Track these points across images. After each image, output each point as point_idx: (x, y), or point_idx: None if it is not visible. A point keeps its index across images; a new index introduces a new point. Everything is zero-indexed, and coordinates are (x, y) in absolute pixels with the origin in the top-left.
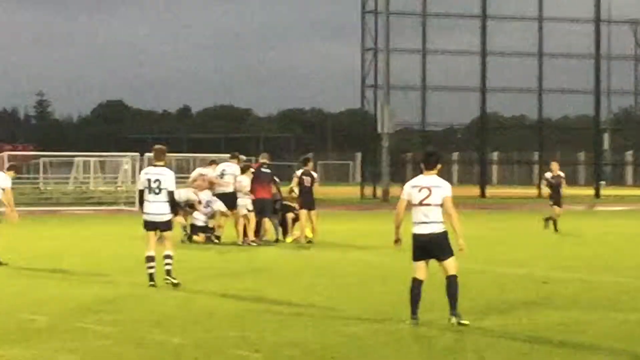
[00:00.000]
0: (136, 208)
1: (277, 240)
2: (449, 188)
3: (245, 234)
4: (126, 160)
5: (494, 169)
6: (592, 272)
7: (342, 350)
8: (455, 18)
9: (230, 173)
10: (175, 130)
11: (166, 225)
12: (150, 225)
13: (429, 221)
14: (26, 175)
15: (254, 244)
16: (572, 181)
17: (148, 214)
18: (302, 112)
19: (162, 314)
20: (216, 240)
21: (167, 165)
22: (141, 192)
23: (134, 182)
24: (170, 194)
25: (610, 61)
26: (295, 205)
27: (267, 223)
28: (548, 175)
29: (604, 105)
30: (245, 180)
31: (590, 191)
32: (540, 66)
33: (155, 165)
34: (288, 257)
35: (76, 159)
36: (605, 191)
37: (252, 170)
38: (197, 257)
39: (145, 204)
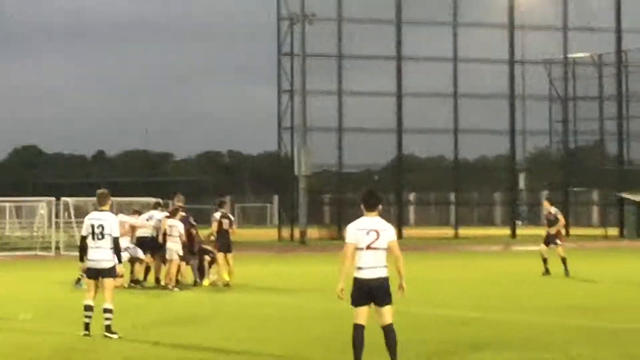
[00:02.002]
0: (52, 253)
1: (195, 284)
2: (393, 231)
3: (176, 279)
4: (42, 205)
5: (411, 209)
6: (508, 311)
7: None
8: (371, 59)
9: (157, 219)
10: (90, 175)
11: (109, 273)
12: (92, 272)
13: (375, 265)
14: None
15: (176, 289)
16: (488, 221)
17: (91, 260)
18: (220, 155)
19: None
20: (135, 285)
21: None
22: (83, 238)
23: (49, 227)
24: (115, 240)
25: (525, 101)
26: (212, 248)
27: (185, 266)
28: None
29: (520, 145)
30: (178, 224)
31: (507, 231)
32: (455, 107)
33: (99, 210)
34: (206, 301)
35: None
36: (521, 231)
37: (182, 213)
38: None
39: (89, 250)
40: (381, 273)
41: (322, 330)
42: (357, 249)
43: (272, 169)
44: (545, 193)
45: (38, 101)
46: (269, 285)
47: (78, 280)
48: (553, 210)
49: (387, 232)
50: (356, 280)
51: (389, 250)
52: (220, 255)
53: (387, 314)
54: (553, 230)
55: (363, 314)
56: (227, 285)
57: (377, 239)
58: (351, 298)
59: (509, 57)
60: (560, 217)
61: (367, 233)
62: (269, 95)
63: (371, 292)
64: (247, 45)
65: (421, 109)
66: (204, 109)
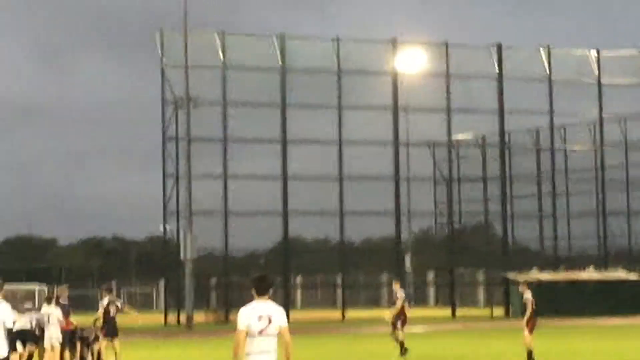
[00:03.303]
0: None
1: None
2: (284, 316)
3: None
4: None
5: (298, 292)
6: None
7: None
8: (256, 143)
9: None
10: None
11: None
12: None
13: (267, 351)
14: None
15: None
16: (375, 302)
17: None
18: (104, 240)
19: None
20: None
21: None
22: None
23: None
24: (9, 330)
25: (409, 182)
26: (98, 333)
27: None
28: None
29: (405, 226)
30: (56, 311)
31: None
32: (340, 189)
33: None
34: None
35: None
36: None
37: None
38: None
39: None
40: (273, 358)
41: None
42: (249, 335)
43: (157, 253)
44: (430, 273)
45: None
46: None
47: None
48: (399, 293)
49: (279, 317)
50: None
51: (279, 335)
52: (105, 341)
53: None
54: (394, 312)
55: None
56: None
57: (269, 324)
58: None
59: (394, 139)
60: (398, 301)
61: (259, 319)
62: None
63: None
64: (133, 129)
65: (307, 191)
66: (88, 194)
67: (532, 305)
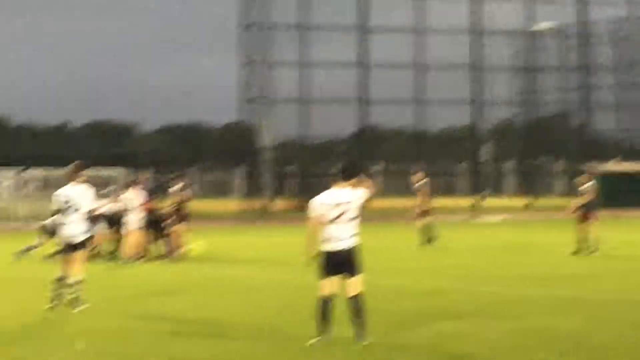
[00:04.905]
0: (17, 225)
1: (159, 257)
2: (362, 195)
3: (137, 251)
4: (7, 176)
5: (376, 180)
6: (472, 282)
7: None
8: (333, 30)
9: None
10: (54, 146)
11: (81, 246)
12: (65, 247)
13: (343, 237)
14: None
15: (138, 262)
16: (451, 192)
17: (63, 235)
18: (183, 126)
19: (42, 332)
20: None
21: (85, 183)
22: (55, 212)
23: (14, 198)
24: (87, 213)
25: (486, 72)
26: (173, 219)
27: (147, 238)
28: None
29: (483, 115)
30: (137, 196)
31: (470, 202)
32: (419, 77)
33: (71, 184)
34: (172, 273)
35: None
36: (485, 202)
37: (140, 185)
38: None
39: (61, 225)
40: (350, 244)
41: (289, 301)
42: (324, 222)
43: (235, 141)
44: (510, 163)
45: (2, 72)
46: (235, 257)
47: (23, 251)
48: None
49: (355, 201)
50: (324, 252)
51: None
52: (181, 227)
53: (356, 284)
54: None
55: (330, 286)
56: (185, 256)
57: (343, 211)
58: (319, 269)
59: (472, 27)
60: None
61: (333, 206)
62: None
63: (340, 264)
64: (209, 16)
65: (385, 79)
66: (165, 80)
67: (590, 195)
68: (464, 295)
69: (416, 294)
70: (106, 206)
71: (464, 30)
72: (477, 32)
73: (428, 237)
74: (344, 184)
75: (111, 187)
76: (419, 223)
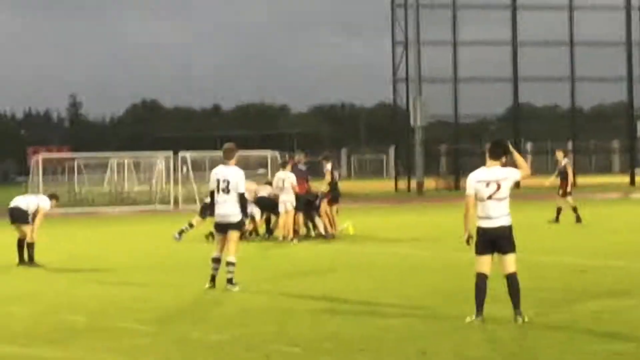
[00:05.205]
0: (171, 207)
1: (313, 236)
2: (515, 174)
3: (292, 231)
4: (160, 159)
5: (527, 159)
6: (627, 259)
7: (377, 342)
8: (485, 9)
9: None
10: (206, 129)
11: (235, 227)
12: (219, 227)
13: (498, 215)
14: (61, 177)
15: (294, 241)
16: (606, 169)
17: (217, 215)
18: (333, 107)
19: (200, 311)
20: (252, 237)
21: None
22: (211, 192)
23: (168, 181)
24: (241, 195)
25: None
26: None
27: (301, 219)
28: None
29: (638, 91)
30: (291, 176)
31: (626, 179)
32: (571, 55)
33: (225, 165)
34: (324, 252)
35: (110, 159)
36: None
37: (294, 166)
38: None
39: (215, 205)
40: (504, 222)
41: (443, 279)
42: (479, 200)
43: (387, 121)
44: None
45: (151, 58)
46: (388, 236)
47: (181, 232)
48: (564, 161)
49: (509, 179)
50: (480, 230)
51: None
52: (333, 208)
53: (511, 262)
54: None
55: (486, 263)
56: (339, 236)
57: (498, 189)
58: (475, 247)
59: (626, 3)
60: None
61: (487, 185)
62: (382, 47)
63: (495, 241)
64: None
65: (537, 57)
66: (314, 62)
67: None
68: (620, 272)
69: (574, 271)
70: (263, 188)
71: (617, 7)
72: (630, 8)
73: (576, 216)
74: (494, 162)
75: (262, 170)
76: (563, 201)
